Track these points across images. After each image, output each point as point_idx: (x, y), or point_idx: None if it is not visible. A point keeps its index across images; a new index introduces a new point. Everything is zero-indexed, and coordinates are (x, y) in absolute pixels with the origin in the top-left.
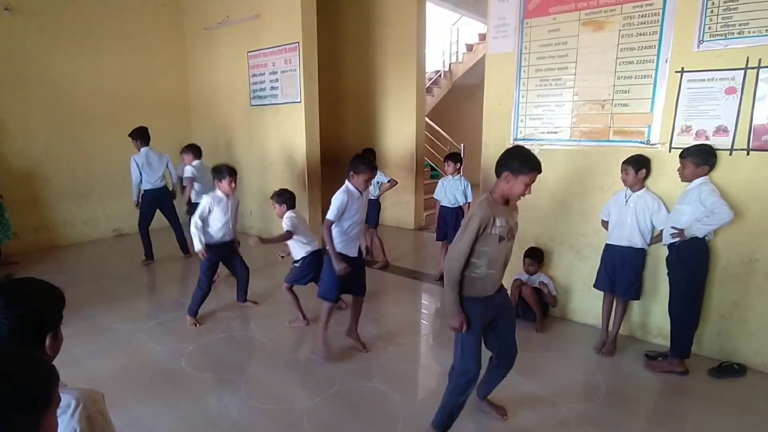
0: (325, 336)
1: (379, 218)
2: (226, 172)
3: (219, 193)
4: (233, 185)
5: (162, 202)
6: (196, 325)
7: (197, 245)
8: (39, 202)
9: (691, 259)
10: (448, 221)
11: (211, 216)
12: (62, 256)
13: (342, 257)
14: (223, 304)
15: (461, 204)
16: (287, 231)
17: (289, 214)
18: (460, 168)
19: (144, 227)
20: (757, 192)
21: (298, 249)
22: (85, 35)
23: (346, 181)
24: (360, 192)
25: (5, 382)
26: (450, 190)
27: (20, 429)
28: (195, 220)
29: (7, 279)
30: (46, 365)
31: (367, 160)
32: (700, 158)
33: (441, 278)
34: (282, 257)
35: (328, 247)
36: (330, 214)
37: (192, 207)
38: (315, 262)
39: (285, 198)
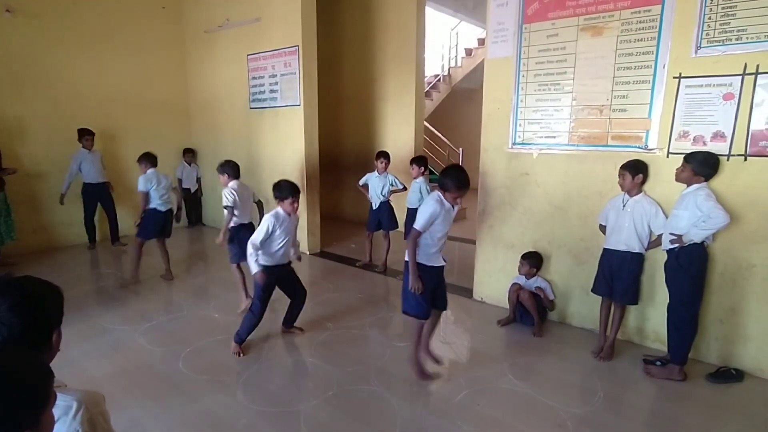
0: (418, 356)
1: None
2: (287, 191)
3: (281, 211)
4: (295, 205)
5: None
6: (240, 354)
7: (253, 267)
8: (37, 202)
9: (691, 265)
10: (409, 223)
11: (272, 237)
12: (60, 258)
13: (425, 269)
14: (221, 306)
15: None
16: (227, 207)
17: (230, 185)
18: (424, 171)
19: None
20: (754, 197)
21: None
22: (86, 37)
23: (437, 192)
24: (452, 205)
25: (14, 382)
26: (411, 192)
27: (26, 426)
28: (253, 240)
29: (11, 278)
30: (44, 364)
31: (459, 177)
32: (699, 168)
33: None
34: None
35: (409, 260)
36: (417, 224)
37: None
38: (247, 236)
39: (227, 168)
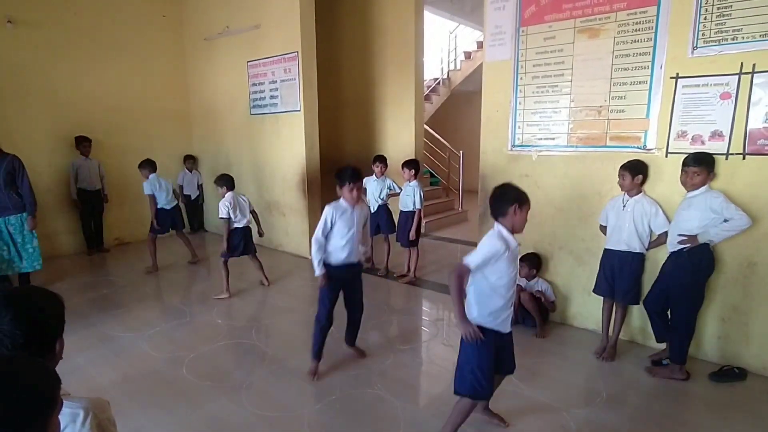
0: None
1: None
2: (346, 176)
3: (342, 202)
4: (354, 192)
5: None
6: (315, 376)
7: (316, 269)
8: (40, 211)
9: (701, 263)
10: (401, 225)
11: (333, 231)
12: (63, 266)
13: (486, 332)
14: (224, 312)
15: (412, 209)
16: (223, 219)
17: (224, 199)
18: (416, 174)
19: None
20: (754, 196)
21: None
22: (87, 46)
23: (496, 225)
24: (514, 240)
25: (21, 387)
26: (403, 195)
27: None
28: (315, 237)
29: (13, 289)
30: (50, 370)
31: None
32: (711, 165)
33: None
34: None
35: (453, 302)
36: (470, 259)
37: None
38: (243, 235)
39: (224, 181)
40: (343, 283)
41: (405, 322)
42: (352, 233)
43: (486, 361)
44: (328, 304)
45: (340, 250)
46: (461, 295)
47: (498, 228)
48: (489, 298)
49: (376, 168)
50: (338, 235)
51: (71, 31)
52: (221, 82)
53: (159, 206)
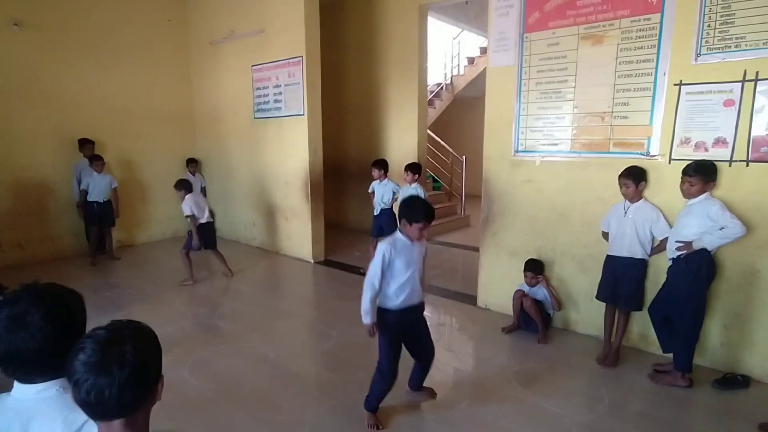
0: None
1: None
2: (420, 213)
3: (400, 236)
4: (424, 232)
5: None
6: (377, 427)
7: (365, 317)
8: (44, 213)
9: (700, 269)
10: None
11: (390, 271)
12: (66, 267)
13: None
14: (226, 315)
15: None
16: (191, 216)
17: (187, 198)
18: (417, 178)
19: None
20: (757, 203)
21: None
22: (92, 49)
23: None
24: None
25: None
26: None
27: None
28: (370, 281)
29: (42, 286)
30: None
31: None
32: (708, 175)
33: None
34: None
35: None
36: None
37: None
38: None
39: (183, 185)
40: (404, 327)
41: None
42: (412, 272)
43: None
44: (390, 354)
45: (399, 292)
46: None
47: None
48: None
49: (374, 173)
50: (397, 275)
51: (77, 34)
52: (225, 85)
53: (92, 200)
